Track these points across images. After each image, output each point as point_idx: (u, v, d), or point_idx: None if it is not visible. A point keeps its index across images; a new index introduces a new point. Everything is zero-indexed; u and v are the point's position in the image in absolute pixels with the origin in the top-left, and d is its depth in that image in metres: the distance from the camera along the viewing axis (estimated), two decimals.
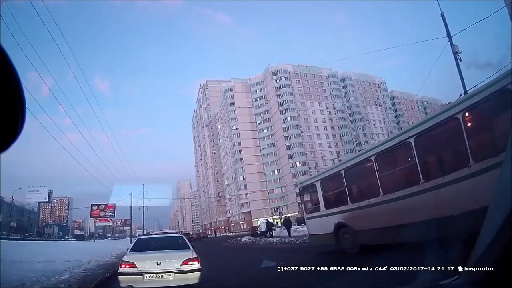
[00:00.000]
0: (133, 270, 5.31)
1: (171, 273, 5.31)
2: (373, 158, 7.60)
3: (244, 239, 21.78)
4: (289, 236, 18.84)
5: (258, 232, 26.25)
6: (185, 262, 5.48)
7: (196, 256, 5.76)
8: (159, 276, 5.26)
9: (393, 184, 7.15)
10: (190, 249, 6.12)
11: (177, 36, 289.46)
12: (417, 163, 6.30)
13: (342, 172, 8.79)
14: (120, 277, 5.40)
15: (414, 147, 6.35)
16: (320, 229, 9.73)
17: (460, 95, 11.14)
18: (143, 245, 6.47)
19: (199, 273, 5.50)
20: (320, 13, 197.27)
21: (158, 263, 5.36)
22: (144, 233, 57.52)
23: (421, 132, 6.29)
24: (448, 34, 13.51)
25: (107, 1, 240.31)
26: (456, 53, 13.19)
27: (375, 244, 7.15)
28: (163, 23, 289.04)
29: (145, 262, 5.41)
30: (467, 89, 12.74)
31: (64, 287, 5.68)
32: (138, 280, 5.21)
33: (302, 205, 11.30)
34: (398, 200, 6.69)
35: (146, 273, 5.25)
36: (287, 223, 20.71)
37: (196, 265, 5.53)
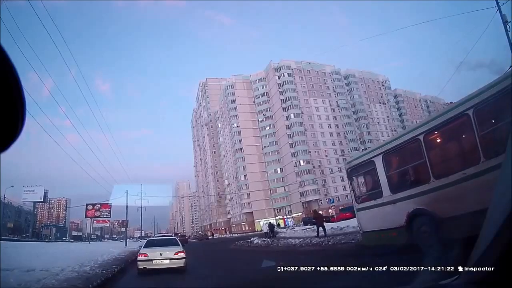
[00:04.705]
0: (146, 258, 8.92)
1: (168, 260, 8.88)
2: (470, 112, 5.49)
3: (255, 240, 19.39)
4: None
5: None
6: (176, 253, 9.05)
7: (183, 250, 9.40)
8: (161, 261, 8.81)
9: (500, 144, 5.12)
10: (179, 245, 9.77)
11: (179, 37, 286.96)
12: None
13: (421, 137, 6.59)
14: (138, 262, 8.99)
15: None
16: (382, 222, 7.48)
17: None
18: (151, 243, 10.40)
19: (184, 260, 9.01)
20: (321, 13, 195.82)
21: (161, 253, 8.99)
22: (142, 235, 56.09)
23: None
24: (497, 2, 12.62)
25: (108, 1, 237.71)
26: (506, 22, 12.31)
27: (471, 235, 4.94)
28: (164, 24, 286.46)
29: (154, 253, 9.01)
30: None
31: None
32: (149, 264, 8.79)
33: (352, 192, 8.98)
34: None
35: (153, 260, 8.83)
36: None
37: (182, 255, 9.08)
